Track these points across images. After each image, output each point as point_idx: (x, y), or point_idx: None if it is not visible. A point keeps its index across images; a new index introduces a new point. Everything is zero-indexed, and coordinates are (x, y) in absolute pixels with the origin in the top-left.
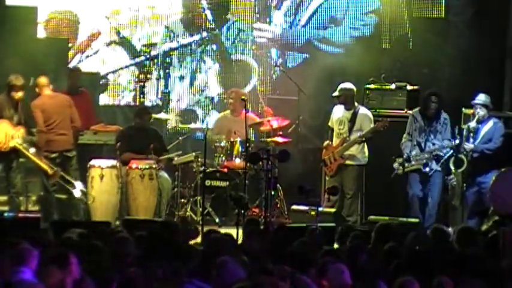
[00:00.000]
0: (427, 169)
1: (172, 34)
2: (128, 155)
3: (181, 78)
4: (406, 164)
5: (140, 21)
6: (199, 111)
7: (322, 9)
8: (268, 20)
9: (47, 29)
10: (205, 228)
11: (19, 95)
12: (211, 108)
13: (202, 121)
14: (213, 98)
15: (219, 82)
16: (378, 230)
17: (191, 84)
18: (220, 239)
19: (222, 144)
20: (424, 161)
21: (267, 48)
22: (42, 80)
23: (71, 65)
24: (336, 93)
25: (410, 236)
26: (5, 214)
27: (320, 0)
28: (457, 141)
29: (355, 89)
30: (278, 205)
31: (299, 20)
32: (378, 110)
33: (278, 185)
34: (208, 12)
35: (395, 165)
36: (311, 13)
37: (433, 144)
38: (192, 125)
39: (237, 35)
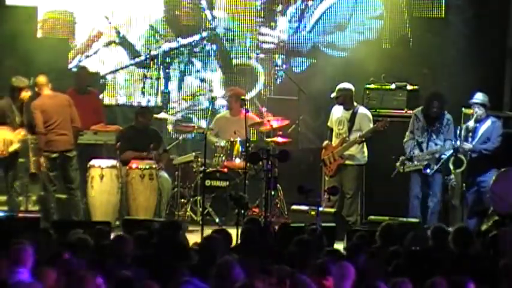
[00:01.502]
0: (428, 170)
1: (172, 34)
2: (129, 153)
3: (181, 78)
4: (408, 163)
5: (140, 21)
6: (199, 112)
7: (327, 15)
8: (273, 25)
9: (44, 29)
10: (205, 228)
11: (29, 94)
12: (211, 109)
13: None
14: (213, 99)
15: (219, 83)
16: (382, 230)
17: (191, 84)
18: (215, 239)
19: (222, 144)
20: (426, 162)
21: (272, 53)
22: (41, 79)
23: (72, 65)
24: (334, 94)
25: (409, 236)
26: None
27: (325, 6)
28: (458, 142)
29: (353, 89)
30: (278, 205)
31: (304, 26)
32: (377, 110)
33: (278, 185)
34: (208, 12)
35: (398, 164)
36: (316, 19)
37: (436, 144)
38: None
39: (240, 40)
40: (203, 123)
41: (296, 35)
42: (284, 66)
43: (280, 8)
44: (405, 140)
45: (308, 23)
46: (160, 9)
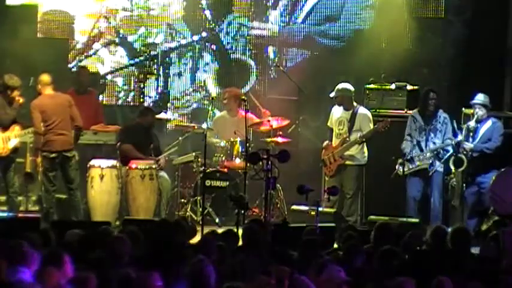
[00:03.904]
0: (432, 168)
1: (172, 34)
2: (129, 147)
3: (181, 78)
4: (410, 166)
5: (139, 21)
6: (199, 112)
7: (319, 7)
8: (264, 18)
9: (43, 29)
10: (205, 228)
11: (17, 93)
12: (211, 109)
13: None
14: (213, 99)
15: (218, 83)
16: (377, 229)
17: (190, 84)
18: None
19: (222, 144)
20: (430, 160)
21: (263, 47)
22: (45, 78)
23: (72, 65)
24: (333, 94)
25: (407, 236)
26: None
27: None
28: (460, 138)
29: (352, 90)
30: (278, 205)
31: (296, 18)
32: (378, 110)
33: (278, 185)
34: (207, 12)
35: (398, 167)
36: (308, 11)
37: (434, 143)
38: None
39: (235, 35)
40: (203, 124)
41: (288, 27)
42: (277, 59)
43: (271, 1)
44: (403, 143)
45: (300, 14)
46: (161, 9)
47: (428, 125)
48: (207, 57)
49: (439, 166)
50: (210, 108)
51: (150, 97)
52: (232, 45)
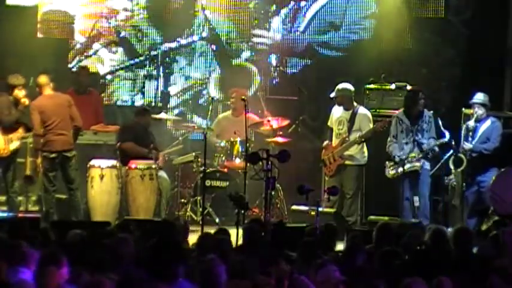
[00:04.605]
0: (422, 168)
1: (171, 34)
2: (130, 144)
3: (180, 78)
4: (401, 169)
5: (140, 21)
6: (199, 112)
7: (320, 15)
8: (267, 26)
9: (43, 29)
10: (205, 228)
11: (22, 93)
12: (211, 109)
13: (201, 122)
14: (212, 99)
15: (218, 83)
16: (379, 230)
17: (190, 84)
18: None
19: (222, 144)
20: (421, 161)
21: (266, 53)
22: (43, 78)
23: (72, 65)
24: (333, 94)
25: (407, 236)
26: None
27: (318, 6)
28: (447, 138)
29: (352, 90)
30: (278, 205)
31: (298, 26)
32: (378, 110)
33: (278, 185)
34: (207, 13)
35: (387, 170)
36: (309, 19)
37: (421, 143)
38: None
39: (236, 40)
40: (203, 123)
41: (290, 36)
42: (280, 66)
43: (274, 8)
44: (388, 145)
45: (301, 24)
46: (160, 9)
47: (415, 125)
48: (207, 57)
49: (427, 165)
50: (209, 108)
51: (149, 97)
52: (233, 50)
